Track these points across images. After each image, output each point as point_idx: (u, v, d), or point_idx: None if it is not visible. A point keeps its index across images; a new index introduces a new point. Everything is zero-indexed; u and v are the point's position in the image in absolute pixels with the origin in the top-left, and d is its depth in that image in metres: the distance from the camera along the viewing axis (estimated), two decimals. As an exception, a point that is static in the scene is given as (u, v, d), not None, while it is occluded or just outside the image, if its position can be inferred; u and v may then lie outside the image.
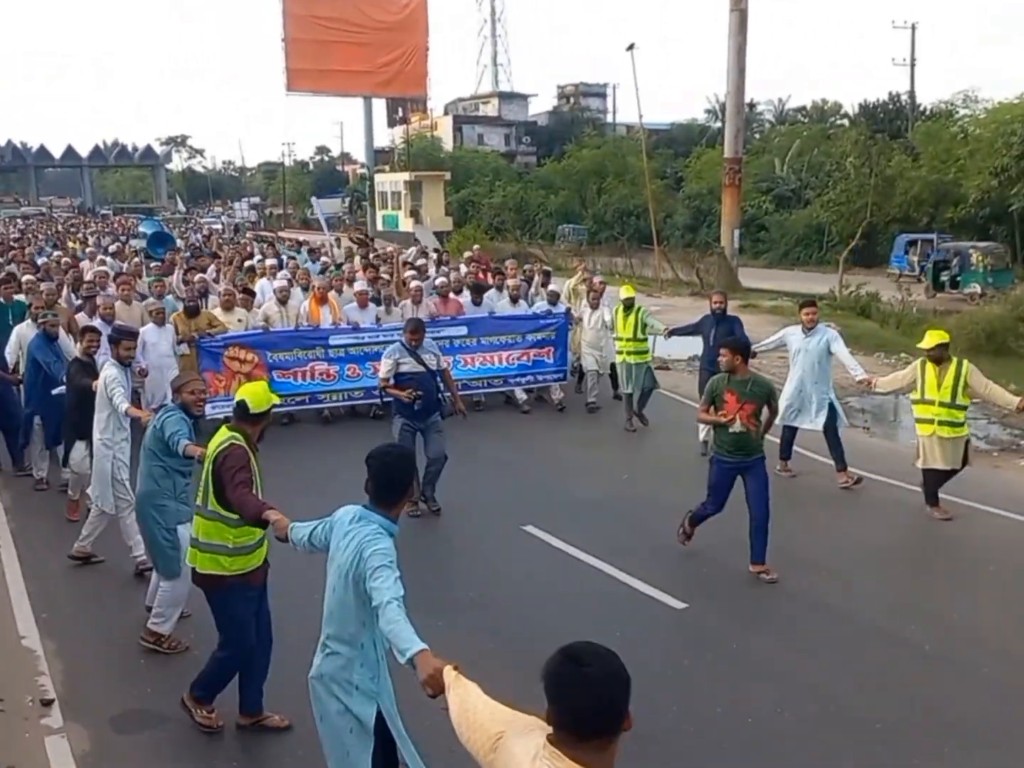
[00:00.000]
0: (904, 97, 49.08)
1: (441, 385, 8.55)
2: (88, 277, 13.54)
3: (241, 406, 4.87)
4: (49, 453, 9.46)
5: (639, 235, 41.32)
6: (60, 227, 46.54)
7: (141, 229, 30.84)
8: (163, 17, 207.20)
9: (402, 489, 3.81)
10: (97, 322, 9.66)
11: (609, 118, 74.39)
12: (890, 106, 49.28)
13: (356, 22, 55.38)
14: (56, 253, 21.18)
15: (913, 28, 48.69)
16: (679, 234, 42.70)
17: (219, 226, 48.75)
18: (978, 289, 25.96)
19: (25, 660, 5.98)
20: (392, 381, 8.38)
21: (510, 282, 13.51)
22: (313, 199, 27.58)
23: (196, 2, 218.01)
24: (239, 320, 11.67)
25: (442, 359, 8.74)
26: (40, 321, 9.28)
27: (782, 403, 9.00)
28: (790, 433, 9.66)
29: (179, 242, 26.71)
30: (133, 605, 6.57)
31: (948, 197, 34.01)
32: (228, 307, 11.71)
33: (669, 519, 8.51)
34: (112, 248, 21.89)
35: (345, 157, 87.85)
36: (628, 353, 11.52)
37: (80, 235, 35.39)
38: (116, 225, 49.65)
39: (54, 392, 8.60)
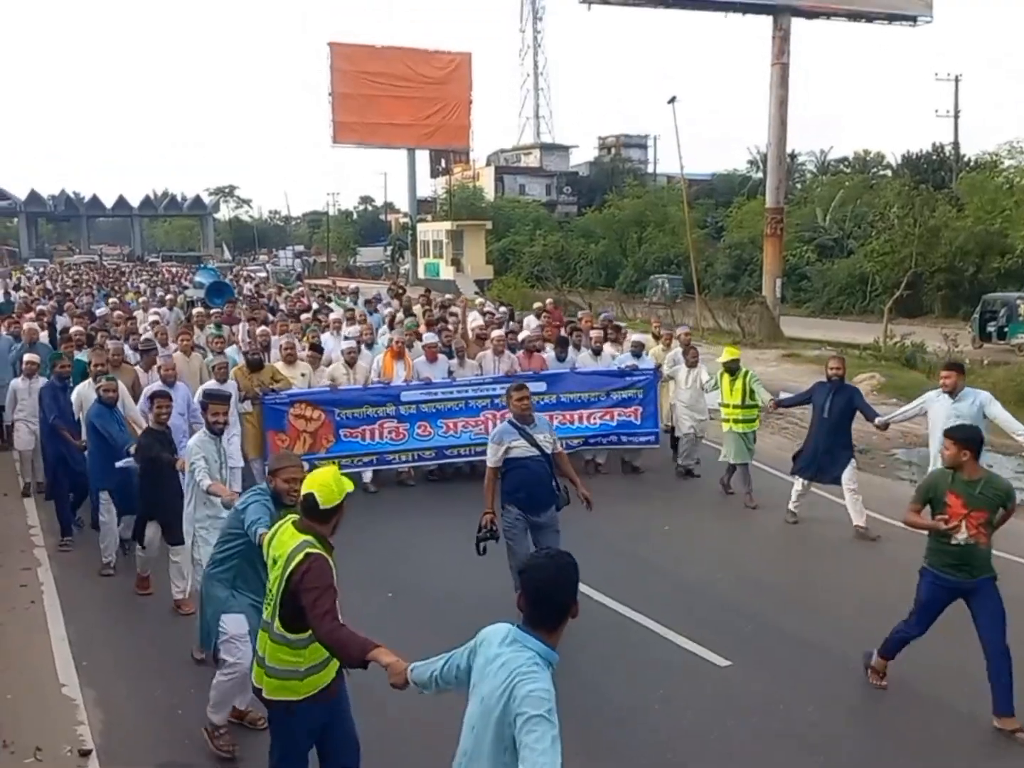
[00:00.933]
0: (948, 148, 48.91)
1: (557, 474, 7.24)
2: (142, 330, 13.20)
3: (309, 501, 4.01)
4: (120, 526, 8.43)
5: (680, 283, 41.34)
6: (113, 275, 46.68)
7: (197, 279, 29.87)
8: (214, 70, 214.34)
9: (564, 611, 3.13)
10: (157, 384, 9.02)
11: (650, 168, 75.01)
12: (933, 157, 49.05)
13: (402, 77, 56.84)
14: (112, 300, 20.71)
15: (957, 80, 48.71)
16: (720, 283, 42.59)
17: (264, 274, 49.15)
18: (1026, 340, 25.57)
19: (65, 708, 5.98)
20: (502, 468, 7.16)
21: (594, 333, 12.47)
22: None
23: (248, 58, 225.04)
24: (302, 375, 11.11)
25: (557, 441, 7.46)
26: (96, 386, 8.48)
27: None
28: None
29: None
30: (173, 655, 6.58)
31: (994, 248, 33.65)
32: (290, 361, 11.17)
33: (711, 574, 8.41)
34: (167, 297, 21.81)
35: (388, 207, 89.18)
36: (735, 421, 10.52)
37: (131, 283, 35.52)
38: (165, 274, 50.03)
39: (118, 465, 7.77)
